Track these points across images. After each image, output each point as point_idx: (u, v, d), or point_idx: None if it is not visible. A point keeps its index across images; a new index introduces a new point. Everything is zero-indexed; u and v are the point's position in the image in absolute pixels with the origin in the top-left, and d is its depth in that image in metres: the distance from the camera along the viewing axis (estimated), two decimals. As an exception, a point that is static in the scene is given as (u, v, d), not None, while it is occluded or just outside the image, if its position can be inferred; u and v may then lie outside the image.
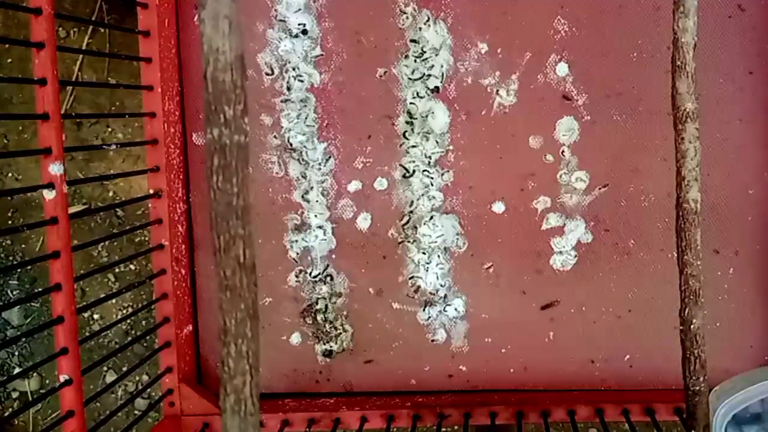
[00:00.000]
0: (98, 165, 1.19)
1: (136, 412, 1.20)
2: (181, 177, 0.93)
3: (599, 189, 0.92)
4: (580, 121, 0.91)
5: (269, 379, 0.96)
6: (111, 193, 1.19)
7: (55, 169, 0.72)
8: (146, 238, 1.10)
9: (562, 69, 0.90)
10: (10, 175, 1.21)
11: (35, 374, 1.21)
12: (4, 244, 1.22)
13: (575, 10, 0.89)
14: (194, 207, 0.95)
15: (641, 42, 0.89)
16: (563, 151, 0.91)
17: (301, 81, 0.92)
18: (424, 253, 0.93)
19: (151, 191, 0.90)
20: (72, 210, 1.16)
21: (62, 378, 0.74)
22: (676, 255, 0.70)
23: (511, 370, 0.95)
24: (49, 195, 0.73)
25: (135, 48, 0.90)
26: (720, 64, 0.89)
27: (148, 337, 0.90)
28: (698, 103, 0.68)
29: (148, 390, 1.12)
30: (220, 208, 0.42)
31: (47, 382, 1.22)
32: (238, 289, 0.43)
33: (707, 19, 0.88)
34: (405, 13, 0.90)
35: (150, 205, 0.91)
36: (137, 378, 1.21)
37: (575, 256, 0.92)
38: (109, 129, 1.17)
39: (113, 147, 1.05)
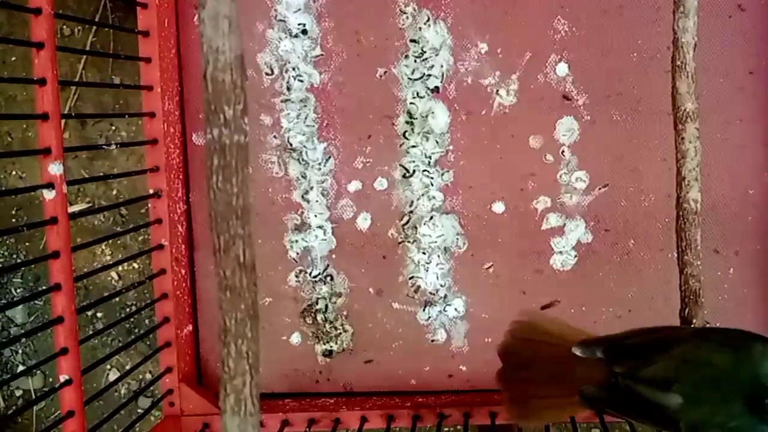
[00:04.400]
0: (102, 163, 1.19)
1: (139, 410, 1.20)
2: (181, 177, 0.93)
3: (599, 189, 0.92)
4: (580, 121, 0.91)
5: (269, 379, 0.96)
6: (115, 192, 1.19)
7: (55, 169, 0.72)
8: (150, 237, 1.10)
9: (562, 69, 0.90)
10: (14, 173, 1.21)
11: (39, 372, 1.21)
12: (7, 242, 1.22)
13: (575, 10, 0.89)
14: (194, 207, 0.95)
15: (641, 42, 0.89)
16: (563, 151, 0.91)
17: (301, 81, 0.92)
18: (424, 253, 0.93)
19: (151, 191, 0.90)
20: (73, 209, 1.16)
21: (62, 378, 0.74)
22: (676, 255, 0.70)
23: (511, 370, 0.94)
24: (48, 195, 0.72)
25: (138, 47, 0.89)
26: (720, 64, 0.89)
27: (151, 336, 0.90)
28: (698, 103, 0.68)
29: (151, 388, 1.12)
30: (220, 208, 0.42)
31: (50, 380, 1.22)
32: (238, 289, 0.43)
33: (707, 19, 0.88)
34: (405, 13, 0.90)
35: (150, 205, 0.91)
36: (141, 377, 1.21)
37: (575, 256, 0.92)
38: (113, 127, 1.17)
39: (113, 147, 1.05)
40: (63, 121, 0.73)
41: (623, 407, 0.61)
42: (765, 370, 0.55)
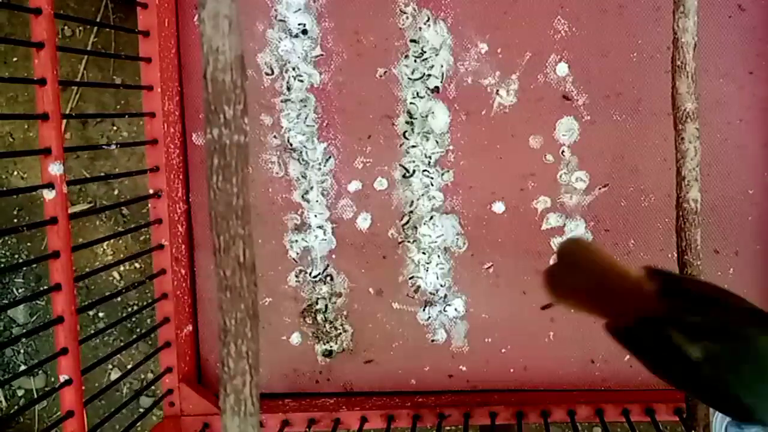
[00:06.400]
0: (103, 164, 1.19)
1: (141, 410, 1.20)
2: (181, 177, 0.93)
3: (599, 189, 0.92)
4: (580, 121, 0.91)
5: (269, 379, 0.96)
6: (116, 192, 1.19)
7: (55, 168, 0.72)
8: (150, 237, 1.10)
9: (562, 69, 0.90)
10: (15, 173, 1.21)
11: (40, 372, 1.21)
12: (9, 242, 1.22)
13: (575, 10, 0.89)
14: (194, 207, 0.95)
15: (641, 42, 0.89)
16: (563, 151, 0.91)
17: (301, 81, 0.92)
18: (424, 253, 0.93)
19: (151, 191, 0.90)
20: (73, 209, 1.16)
21: (62, 378, 0.74)
22: (676, 255, 0.70)
23: (511, 370, 0.95)
24: (49, 195, 0.73)
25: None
26: (720, 64, 0.89)
27: (152, 335, 0.90)
28: (698, 103, 0.68)
29: (153, 387, 1.12)
30: (220, 208, 0.42)
31: (52, 379, 1.22)
32: (238, 289, 0.43)
33: (707, 19, 0.88)
34: (405, 13, 0.90)
35: (150, 205, 0.91)
36: (142, 376, 1.21)
37: (575, 256, 0.92)
38: (115, 127, 1.17)
39: (113, 147, 1.05)
40: (64, 121, 0.73)
41: (644, 348, 0.61)
42: None
